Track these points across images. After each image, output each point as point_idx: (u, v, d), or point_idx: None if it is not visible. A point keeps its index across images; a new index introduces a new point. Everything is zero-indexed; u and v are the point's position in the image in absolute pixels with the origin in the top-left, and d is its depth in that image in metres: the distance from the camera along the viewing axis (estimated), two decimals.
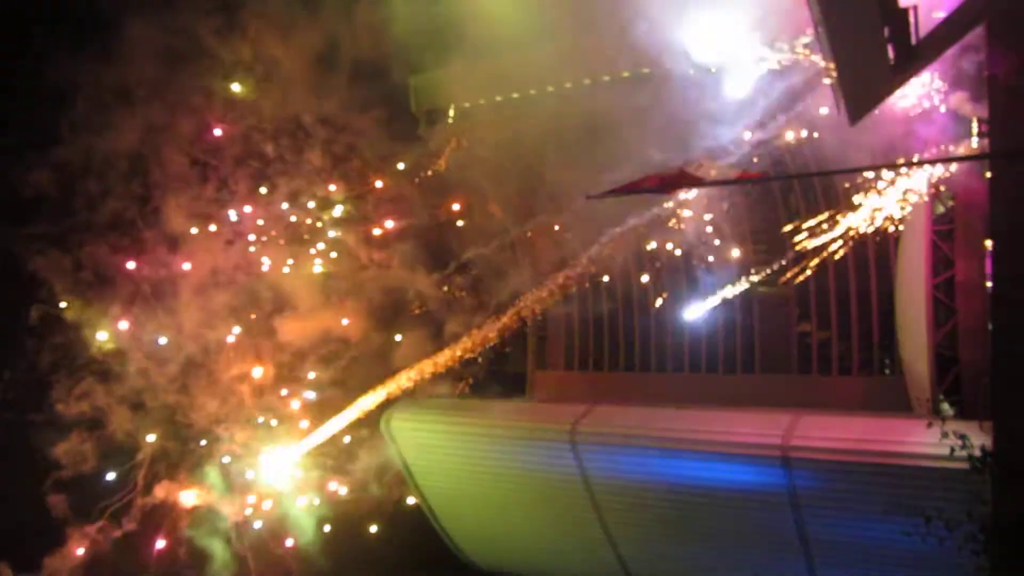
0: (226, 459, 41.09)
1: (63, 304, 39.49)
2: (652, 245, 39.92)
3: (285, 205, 42.11)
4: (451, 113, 41.93)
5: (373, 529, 42.56)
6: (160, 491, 40.08)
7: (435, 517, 42.50)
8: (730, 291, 36.47)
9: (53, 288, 39.12)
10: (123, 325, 40.05)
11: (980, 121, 28.82)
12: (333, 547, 41.83)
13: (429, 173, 42.41)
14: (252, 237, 41.76)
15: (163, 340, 40.55)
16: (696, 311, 37.03)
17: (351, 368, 41.62)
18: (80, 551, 38.59)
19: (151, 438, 40.35)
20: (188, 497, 40.47)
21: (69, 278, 39.04)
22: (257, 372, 41.61)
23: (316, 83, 39.42)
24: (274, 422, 41.73)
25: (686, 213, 37.22)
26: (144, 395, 39.82)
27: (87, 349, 39.68)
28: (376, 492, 42.10)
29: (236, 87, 40.53)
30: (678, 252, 39.55)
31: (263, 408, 41.55)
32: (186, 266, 40.30)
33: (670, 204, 35.27)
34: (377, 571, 42.34)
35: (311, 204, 42.41)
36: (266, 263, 41.95)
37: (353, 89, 38.90)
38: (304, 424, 41.85)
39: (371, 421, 40.92)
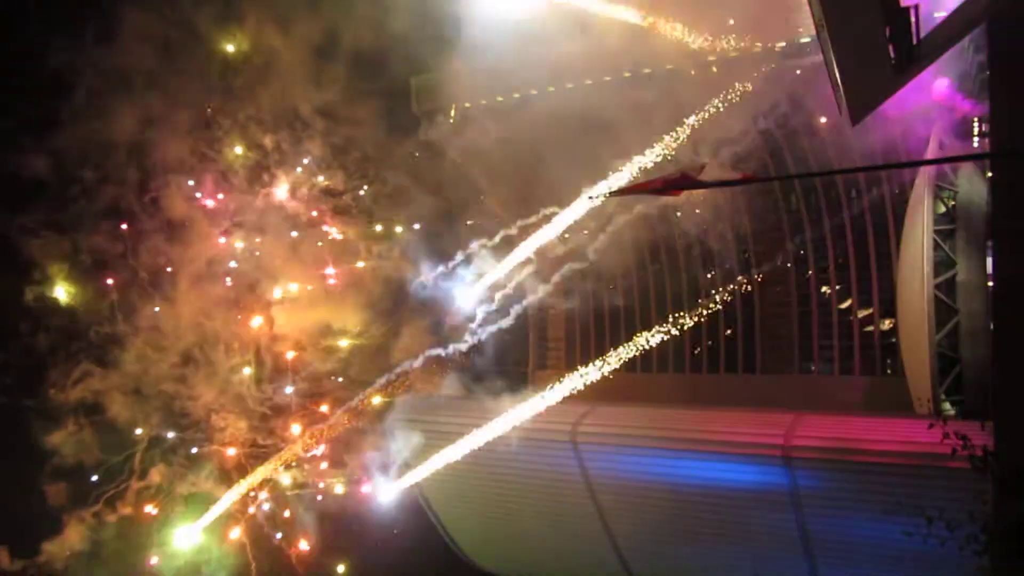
0: (221, 449, 41.01)
1: (57, 288, 39.43)
2: (653, 244, 40.02)
3: (285, 195, 42.04)
4: (452, 113, 41.94)
5: (372, 527, 42.48)
6: (155, 477, 39.97)
7: (435, 516, 42.50)
8: (731, 290, 36.50)
9: (47, 272, 39.02)
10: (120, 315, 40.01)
11: (980, 121, 28.89)
12: (333, 544, 41.83)
13: (430, 171, 42.40)
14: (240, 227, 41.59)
15: (158, 331, 40.44)
16: (696, 310, 37.03)
17: (351, 360, 41.54)
18: (76, 536, 38.58)
19: (139, 432, 40.26)
20: (183, 486, 40.47)
21: (66, 262, 38.91)
22: (253, 364, 41.50)
23: (318, 79, 39.42)
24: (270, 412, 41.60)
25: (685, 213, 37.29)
26: (141, 381, 39.37)
27: (83, 333, 39.38)
28: (375, 490, 42.05)
29: (238, 79, 40.54)
30: (679, 251, 39.59)
31: (260, 399, 41.36)
32: (168, 268, 40.17)
33: (671, 204, 35.30)
34: (376, 568, 42.34)
35: (312, 193, 42.34)
36: (264, 255, 41.87)
37: (355, 86, 38.88)
38: (302, 420, 41.76)
39: (371, 418, 40.91)
